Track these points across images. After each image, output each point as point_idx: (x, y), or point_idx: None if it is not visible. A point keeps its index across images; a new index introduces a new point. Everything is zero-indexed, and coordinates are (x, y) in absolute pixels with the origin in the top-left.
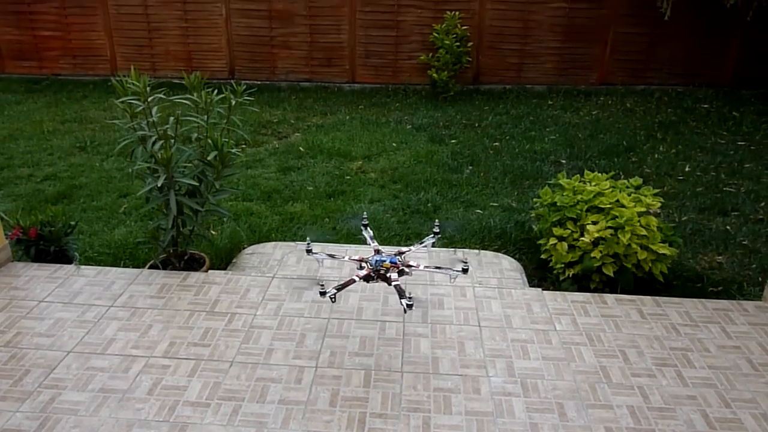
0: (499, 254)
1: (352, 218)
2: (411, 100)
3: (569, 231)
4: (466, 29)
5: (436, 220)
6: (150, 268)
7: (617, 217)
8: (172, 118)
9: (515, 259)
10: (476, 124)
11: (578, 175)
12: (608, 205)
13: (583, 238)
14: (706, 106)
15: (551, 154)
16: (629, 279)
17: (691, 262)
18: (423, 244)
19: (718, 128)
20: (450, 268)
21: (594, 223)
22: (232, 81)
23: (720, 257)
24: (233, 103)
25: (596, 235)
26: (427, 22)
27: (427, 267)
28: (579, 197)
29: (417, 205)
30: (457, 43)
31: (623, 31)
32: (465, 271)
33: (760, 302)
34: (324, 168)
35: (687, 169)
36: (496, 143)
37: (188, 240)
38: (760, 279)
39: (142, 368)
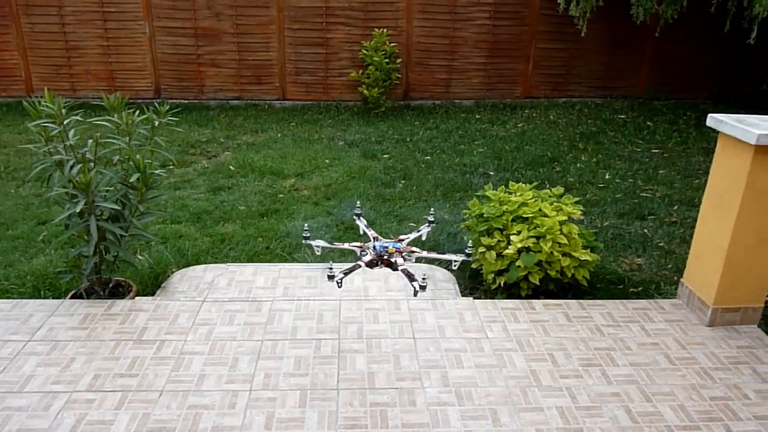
0: (433, 266)
1: (347, 208)
2: (343, 117)
3: (496, 240)
4: (395, 46)
5: (431, 209)
6: (72, 297)
7: (539, 226)
8: (91, 141)
9: (448, 270)
10: (408, 139)
11: (504, 187)
12: (531, 215)
13: (509, 248)
14: (623, 116)
15: (480, 166)
16: (555, 285)
17: (613, 265)
18: (419, 233)
19: (634, 137)
20: (452, 255)
21: (518, 233)
22: (157, 100)
23: (639, 259)
24: (157, 123)
25: (520, 244)
26: (356, 39)
27: (430, 252)
28: (505, 208)
29: (351, 221)
30: (387, 60)
31: (544, 47)
32: (468, 255)
33: (675, 300)
34: (256, 187)
35: (607, 176)
36: (428, 157)
37: (112, 266)
38: (675, 278)
39: (65, 404)
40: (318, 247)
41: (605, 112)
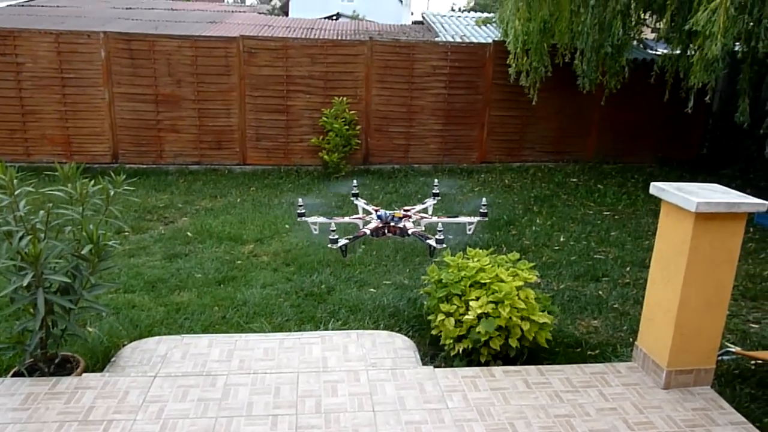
0: (393, 333)
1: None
2: (303, 181)
3: (455, 306)
4: (354, 113)
5: (435, 180)
6: (14, 376)
7: (497, 291)
8: (42, 212)
9: (408, 337)
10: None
11: (461, 253)
12: (489, 281)
13: (468, 314)
14: (574, 180)
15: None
16: (515, 350)
17: (570, 328)
18: (425, 205)
19: (586, 200)
20: (466, 218)
21: (477, 298)
22: (115, 165)
23: (595, 321)
24: (112, 193)
25: (479, 310)
26: (317, 106)
27: (441, 217)
28: (463, 273)
29: (310, 287)
30: (346, 127)
31: (498, 115)
32: (484, 214)
33: (631, 363)
34: (213, 253)
35: (562, 239)
36: None
37: (59, 341)
38: (630, 339)
39: None
40: (315, 224)
41: (558, 176)
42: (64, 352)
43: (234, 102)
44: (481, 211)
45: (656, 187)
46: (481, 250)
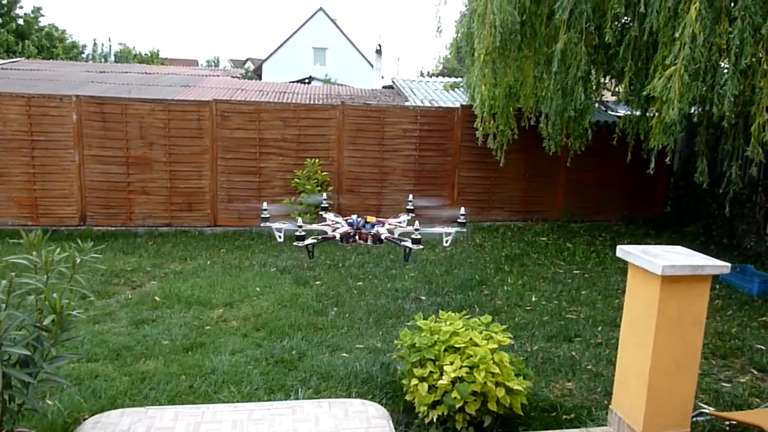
0: (366, 401)
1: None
2: (275, 242)
3: (429, 371)
4: (327, 174)
5: (410, 195)
6: None
7: (472, 356)
8: (4, 282)
9: (382, 404)
10: (340, 264)
11: (434, 316)
12: (463, 345)
13: (442, 379)
14: (544, 238)
15: (412, 291)
16: (491, 417)
17: (545, 391)
18: (398, 220)
19: (556, 259)
20: (443, 228)
21: (451, 363)
22: (83, 227)
23: (570, 383)
24: (78, 261)
25: (453, 375)
26: (289, 168)
27: (416, 226)
28: (436, 337)
29: (281, 353)
30: (318, 188)
31: (467, 175)
32: (463, 224)
33: (607, 427)
34: (182, 318)
35: (534, 299)
36: (360, 283)
37: (16, 417)
38: (605, 402)
39: None
40: (279, 231)
41: (527, 235)
42: (20, 428)
43: (206, 164)
44: (459, 221)
45: (623, 251)
46: (453, 314)
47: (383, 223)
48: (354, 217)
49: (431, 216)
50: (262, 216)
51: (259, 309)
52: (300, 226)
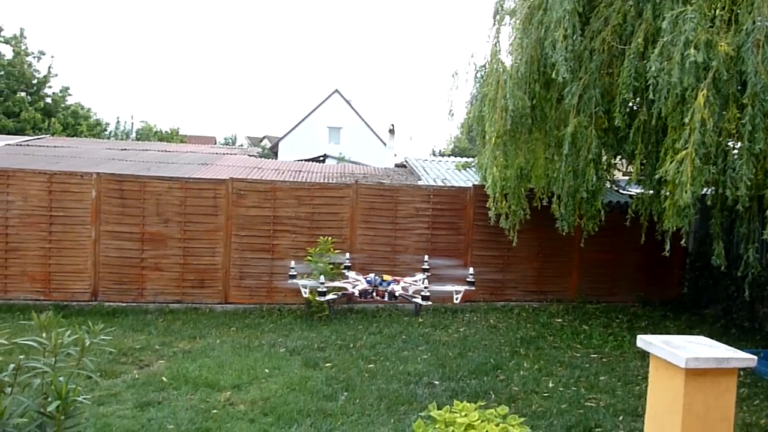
0: None
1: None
2: (286, 320)
3: None
4: (339, 252)
5: (426, 256)
6: None
7: None
8: (12, 365)
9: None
10: (351, 345)
11: (448, 406)
12: None
13: None
14: (559, 320)
15: (424, 375)
16: None
17: None
18: (413, 278)
19: (572, 342)
20: (452, 286)
21: None
22: (94, 303)
23: None
24: (88, 343)
25: None
26: (302, 245)
27: (429, 283)
28: (451, 430)
29: None
30: (331, 265)
31: (480, 254)
32: (471, 283)
33: None
34: (188, 401)
35: (550, 384)
36: (371, 365)
37: None
38: None
39: None
40: (305, 287)
41: (542, 316)
42: None
43: (220, 241)
44: (468, 279)
45: (644, 341)
46: (468, 404)
47: (398, 281)
48: (372, 275)
49: (443, 275)
50: (290, 274)
51: (267, 392)
52: (322, 283)
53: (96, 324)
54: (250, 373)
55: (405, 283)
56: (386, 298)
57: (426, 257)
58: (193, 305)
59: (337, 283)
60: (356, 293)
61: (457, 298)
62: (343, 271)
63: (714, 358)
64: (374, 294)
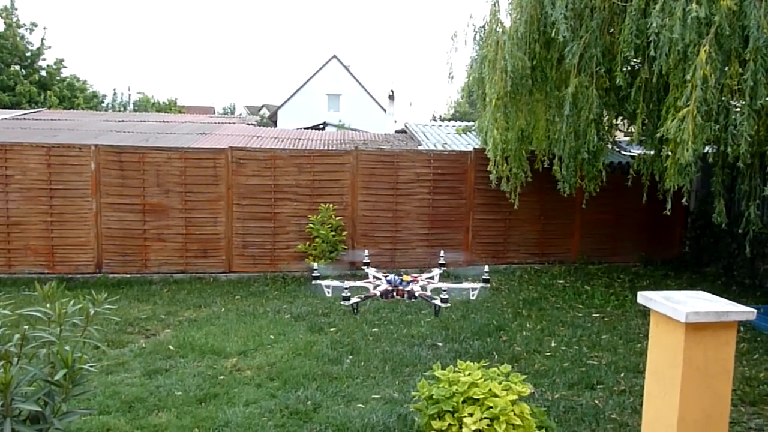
0: None
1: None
2: (290, 287)
3: (447, 423)
4: (341, 219)
5: (442, 251)
6: None
7: (492, 407)
8: (17, 335)
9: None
10: (355, 310)
11: (452, 366)
12: (482, 396)
13: (463, 431)
14: (561, 281)
15: (428, 337)
16: None
17: None
18: (431, 273)
19: (574, 302)
20: (469, 284)
21: (470, 414)
22: (99, 275)
23: None
24: (92, 312)
25: (473, 427)
26: (303, 213)
27: (447, 282)
28: (455, 389)
29: (296, 404)
30: (333, 233)
31: (482, 218)
32: (487, 281)
33: None
34: (195, 368)
35: (553, 344)
36: (375, 329)
37: None
38: None
39: None
40: (329, 287)
41: (544, 278)
42: None
43: (221, 210)
44: (484, 278)
45: (644, 297)
46: (472, 363)
47: (417, 280)
48: (392, 276)
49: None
50: (314, 275)
51: (273, 358)
52: (346, 288)
53: (100, 295)
54: (256, 340)
55: (422, 281)
56: (405, 297)
57: (442, 252)
58: (197, 275)
59: (359, 283)
60: (378, 294)
61: (473, 295)
62: (363, 267)
63: (714, 312)
64: (395, 294)
